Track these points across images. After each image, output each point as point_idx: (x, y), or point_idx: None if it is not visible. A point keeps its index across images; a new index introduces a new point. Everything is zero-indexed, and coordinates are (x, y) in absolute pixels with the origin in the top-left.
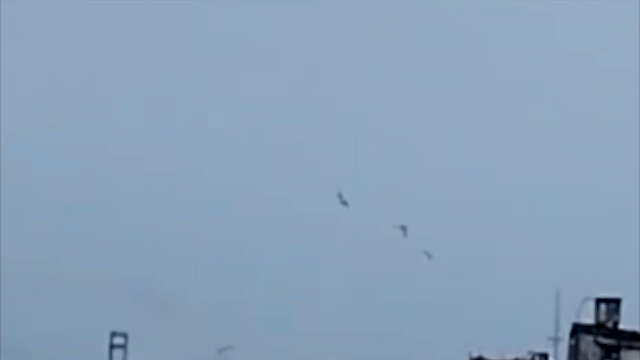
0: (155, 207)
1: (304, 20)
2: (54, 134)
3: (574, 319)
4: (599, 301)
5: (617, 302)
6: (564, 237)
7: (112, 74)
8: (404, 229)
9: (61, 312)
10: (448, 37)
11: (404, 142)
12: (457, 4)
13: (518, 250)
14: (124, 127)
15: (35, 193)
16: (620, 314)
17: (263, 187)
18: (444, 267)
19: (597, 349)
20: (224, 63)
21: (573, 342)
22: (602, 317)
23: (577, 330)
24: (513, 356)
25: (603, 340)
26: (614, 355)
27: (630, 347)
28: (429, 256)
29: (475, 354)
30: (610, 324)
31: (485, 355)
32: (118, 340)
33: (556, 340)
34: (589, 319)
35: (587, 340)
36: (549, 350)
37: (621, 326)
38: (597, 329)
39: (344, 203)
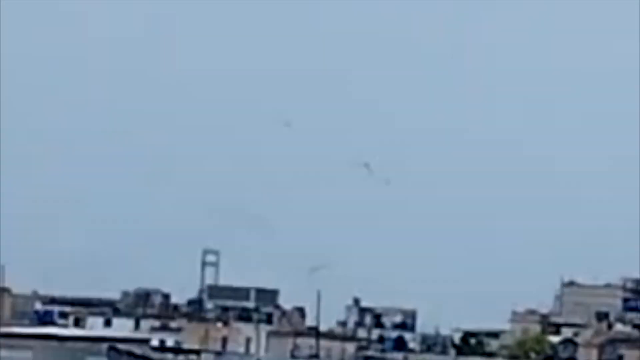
0: (244, 128)
1: None
2: None
3: None
4: None
5: None
6: None
7: None
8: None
9: (155, 231)
10: None
11: None
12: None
13: (611, 176)
14: None
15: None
16: None
17: None
18: (534, 191)
19: None
20: None
21: None
22: None
23: None
24: (605, 281)
25: None
26: None
27: None
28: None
29: (567, 279)
30: None
31: (577, 280)
32: (210, 257)
33: None
34: None
35: None
36: None
37: None
38: None
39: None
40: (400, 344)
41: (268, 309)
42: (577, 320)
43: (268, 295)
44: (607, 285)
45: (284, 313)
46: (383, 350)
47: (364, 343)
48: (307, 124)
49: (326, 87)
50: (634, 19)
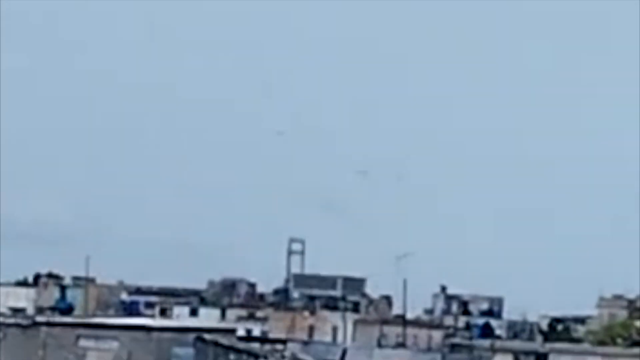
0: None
1: None
2: None
3: None
4: None
5: None
6: None
7: None
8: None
9: (242, 219)
10: None
11: None
12: None
13: None
14: None
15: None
16: None
17: None
18: (621, 177)
19: None
20: None
21: None
22: None
23: None
24: None
25: None
26: None
27: None
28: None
29: None
30: None
31: None
32: (296, 246)
33: None
34: None
35: None
36: None
37: None
38: None
39: None
40: (487, 331)
41: (355, 297)
42: None
43: (355, 284)
44: None
45: (370, 301)
46: (470, 338)
47: (450, 331)
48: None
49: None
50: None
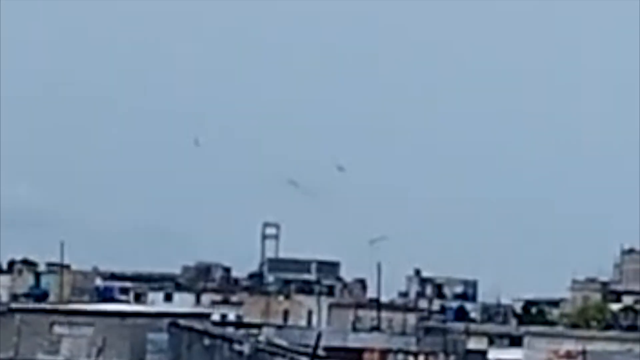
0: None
1: None
2: None
3: None
4: None
5: None
6: None
7: None
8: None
9: (216, 204)
10: None
11: None
12: None
13: None
14: None
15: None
16: None
17: None
18: (593, 161)
19: None
20: None
21: None
22: None
23: None
24: None
25: None
26: None
27: None
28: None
29: (627, 246)
30: None
31: (636, 248)
32: (270, 230)
33: None
34: None
35: None
36: None
37: None
38: None
39: None
40: (461, 314)
41: (329, 281)
42: (637, 288)
43: (329, 268)
44: None
45: (345, 285)
46: (444, 321)
47: (425, 314)
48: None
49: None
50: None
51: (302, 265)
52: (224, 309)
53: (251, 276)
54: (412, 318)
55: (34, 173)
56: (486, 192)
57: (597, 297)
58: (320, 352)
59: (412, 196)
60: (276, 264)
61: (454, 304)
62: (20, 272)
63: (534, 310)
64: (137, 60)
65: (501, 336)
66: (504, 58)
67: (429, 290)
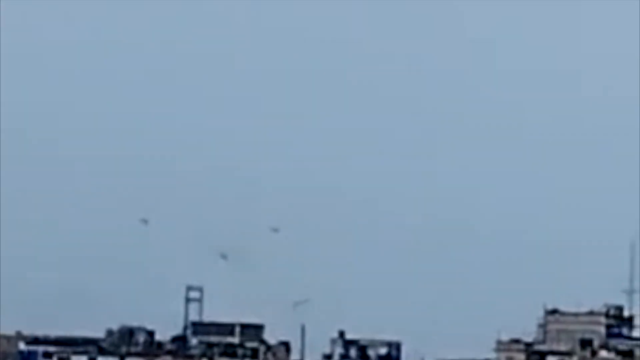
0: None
1: None
2: None
3: None
4: None
5: None
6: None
7: None
8: None
9: (139, 266)
10: None
11: None
12: None
13: (593, 202)
14: None
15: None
16: None
17: None
18: (516, 222)
19: None
20: None
21: None
22: None
23: None
24: (588, 309)
25: None
26: None
27: None
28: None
29: (550, 307)
30: None
31: (560, 308)
32: (194, 294)
33: (631, 292)
34: None
35: None
36: (624, 303)
37: None
38: None
39: None
40: None
41: (253, 344)
42: (561, 348)
43: (253, 331)
44: (590, 313)
45: (269, 348)
46: None
47: None
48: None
49: None
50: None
51: (226, 329)
52: None
53: (175, 339)
54: None
55: None
56: (409, 254)
57: (521, 358)
58: None
59: (335, 259)
60: (200, 328)
61: None
62: None
63: None
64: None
65: None
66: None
67: (353, 352)
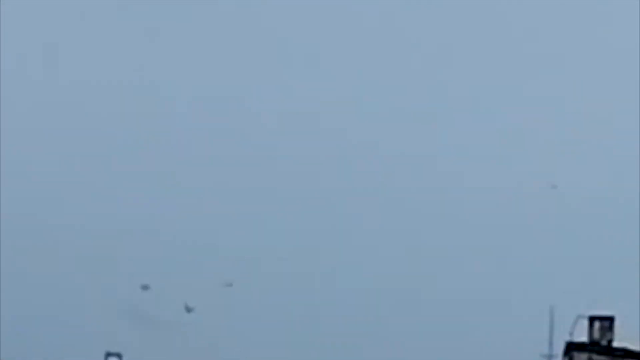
0: (145, 232)
1: None
2: None
3: (568, 337)
4: (592, 319)
5: (610, 319)
6: (558, 253)
7: None
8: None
9: (57, 332)
10: None
11: None
12: None
13: (511, 267)
14: None
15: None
16: (614, 332)
17: None
18: (437, 294)
19: None
20: None
21: None
22: (596, 335)
23: (571, 348)
24: None
25: (597, 358)
26: None
27: None
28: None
29: None
30: (604, 342)
31: None
32: None
33: (550, 358)
34: (582, 337)
35: (580, 359)
36: None
37: (615, 344)
38: (590, 346)
39: None
40: None
41: None
42: None
43: None
44: None
45: None
46: None
47: None
48: None
49: None
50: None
51: None
52: None
53: None
54: None
55: None
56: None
57: None
58: None
59: (254, 332)
60: None
61: None
62: None
63: None
64: None
65: None
66: None
67: None
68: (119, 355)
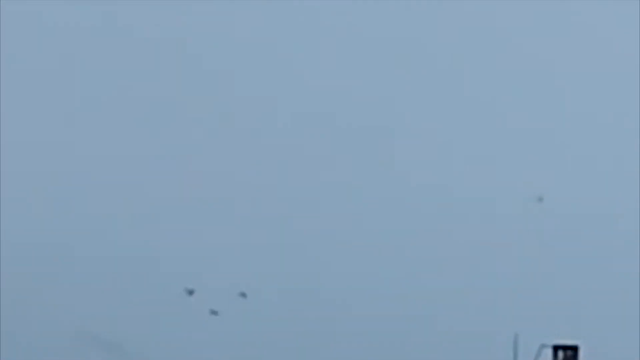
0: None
1: None
2: None
3: None
4: (556, 348)
5: (574, 349)
6: (521, 283)
7: None
8: None
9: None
10: None
11: None
12: None
13: (475, 296)
14: None
15: None
16: None
17: None
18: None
19: None
20: None
21: None
22: None
23: None
24: None
25: None
26: None
27: None
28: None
29: None
30: None
31: None
32: None
33: None
34: None
35: None
36: None
37: None
38: None
39: None
40: None
41: None
42: None
43: None
44: None
45: None
46: None
47: None
48: None
49: None
50: None
51: None
52: None
53: None
54: None
55: None
56: None
57: None
58: None
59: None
60: None
61: None
62: None
63: None
64: None
65: None
66: None
67: None
68: None
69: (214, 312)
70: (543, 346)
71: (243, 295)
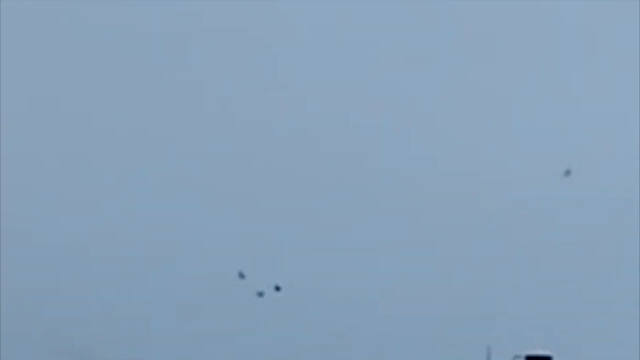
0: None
1: None
2: None
3: None
4: (529, 359)
5: (548, 359)
6: (494, 294)
7: None
8: None
9: None
10: None
11: None
12: None
13: (447, 308)
14: None
15: None
16: None
17: None
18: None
19: None
20: None
21: None
22: None
23: None
24: None
25: None
26: None
27: None
28: None
29: None
30: None
31: None
32: None
33: None
34: None
35: None
36: None
37: None
38: None
39: None
40: None
41: None
42: None
43: None
44: None
45: None
46: None
47: None
48: None
49: None
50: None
51: None
52: None
53: None
54: None
55: None
56: None
57: None
58: None
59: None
60: None
61: None
62: None
63: None
64: None
65: None
66: None
67: None
68: None
69: (260, 294)
70: (516, 357)
71: (242, 276)
